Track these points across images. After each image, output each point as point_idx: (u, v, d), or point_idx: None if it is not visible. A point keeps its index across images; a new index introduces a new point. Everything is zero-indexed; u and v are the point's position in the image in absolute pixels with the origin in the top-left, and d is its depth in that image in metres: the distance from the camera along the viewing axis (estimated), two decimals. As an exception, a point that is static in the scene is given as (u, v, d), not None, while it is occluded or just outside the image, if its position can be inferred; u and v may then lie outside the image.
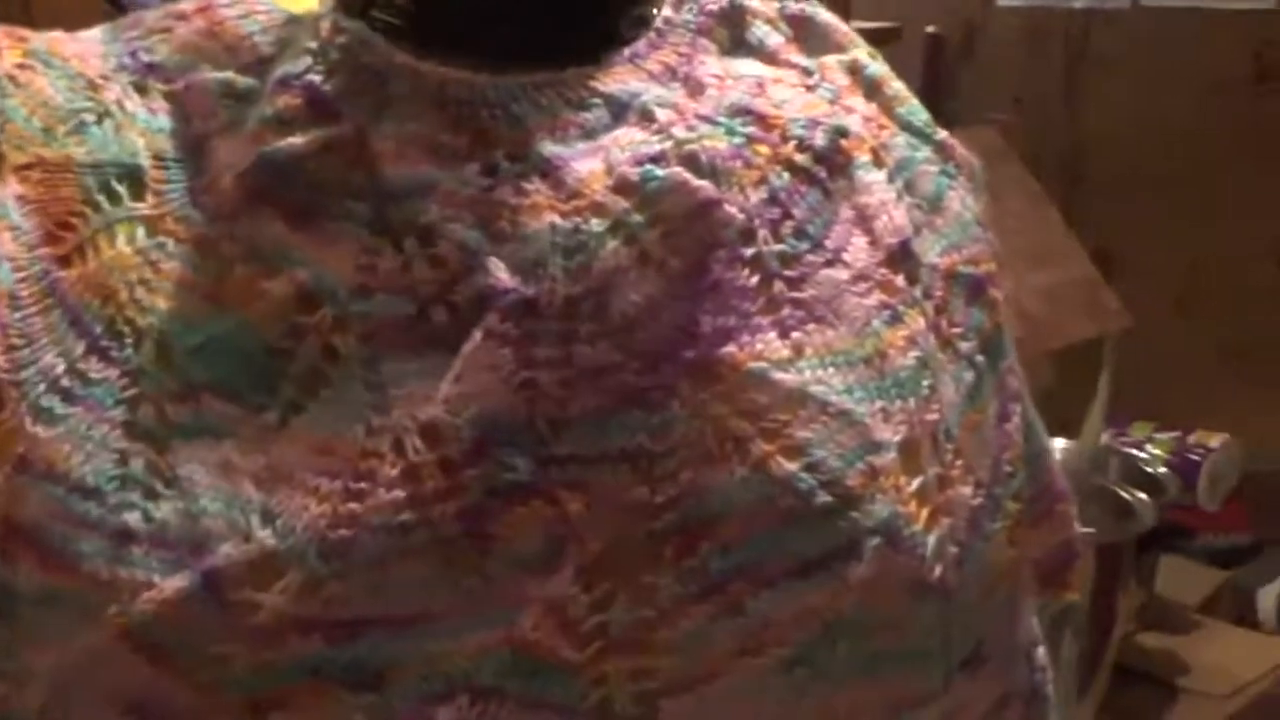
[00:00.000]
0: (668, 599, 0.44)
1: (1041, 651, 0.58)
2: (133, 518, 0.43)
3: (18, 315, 0.45)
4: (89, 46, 0.51)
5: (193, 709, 0.43)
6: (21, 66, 0.50)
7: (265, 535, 0.43)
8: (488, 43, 0.50)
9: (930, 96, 2.51)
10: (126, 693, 0.43)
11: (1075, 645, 1.32)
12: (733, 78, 0.52)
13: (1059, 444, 1.66)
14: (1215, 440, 2.78)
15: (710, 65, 0.52)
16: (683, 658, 0.44)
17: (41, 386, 0.45)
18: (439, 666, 0.43)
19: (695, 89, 0.51)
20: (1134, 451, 2.78)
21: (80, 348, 0.45)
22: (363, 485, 0.43)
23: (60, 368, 0.45)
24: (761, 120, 0.50)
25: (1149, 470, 1.61)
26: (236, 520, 0.43)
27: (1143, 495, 1.37)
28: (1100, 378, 1.88)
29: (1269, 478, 2.70)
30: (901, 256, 0.51)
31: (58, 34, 0.52)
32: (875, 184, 0.52)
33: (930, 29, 3.03)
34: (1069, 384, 1.91)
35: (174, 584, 0.42)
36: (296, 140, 0.47)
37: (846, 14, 2.27)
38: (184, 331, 0.45)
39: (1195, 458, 2.78)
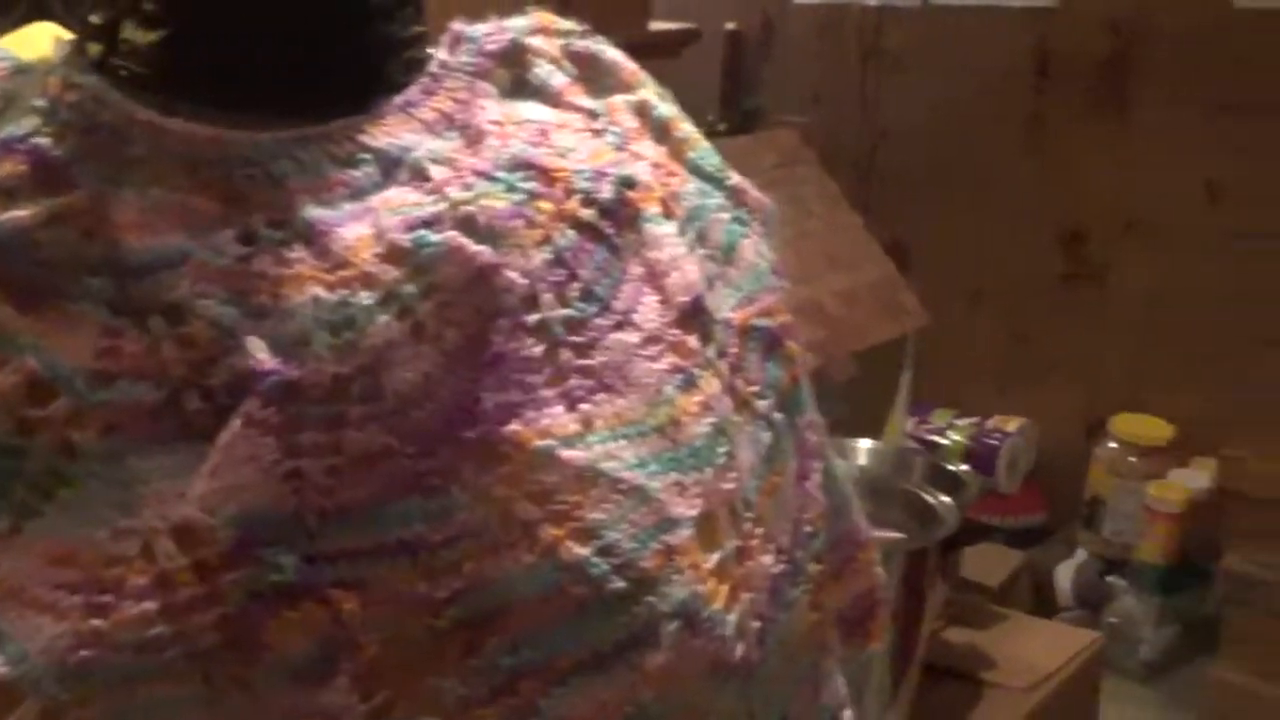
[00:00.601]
0: (453, 702, 0.41)
1: (848, 714, 0.56)
2: None
3: None
4: None
5: None
6: None
7: None
8: (244, 93, 0.46)
9: (731, 93, 2.50)
10: None
11: (886, 648, 1.33)
12: (514, 123, 0.49)
13: (864, 445, 1.68)
14: (1012, 425, 2.87)
15: (490, 111, 0.49)
16: None
17: None
18: None
19: (474, 138, 0.48)
20: (937, 440, 2.86)
21: None
22: (108, 598, 0.39)
23: None
24: (544, 174, 0.47)
25: (951, 469, 1.63)
26: None
27: (946, 498, 1.38)
28: (901, 376, 1.91)
29: (1061, 459, 2.80)
30: (694, 314, 0.49)
31: None
32: (665, 237, 0.49)
33: (729, 25, 3.05)
34: (871, 383, 1.94)
35: None
36: (22, 213, 0.42)
37: (646, 13, 2.26)
38: None
39: (993, 442, 2.87)
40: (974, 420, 2.88)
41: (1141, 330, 2.70)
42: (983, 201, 2.86)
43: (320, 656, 0.40)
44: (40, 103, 0.44)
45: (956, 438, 2.92)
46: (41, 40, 0.50)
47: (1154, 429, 2.64)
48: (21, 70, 0.46)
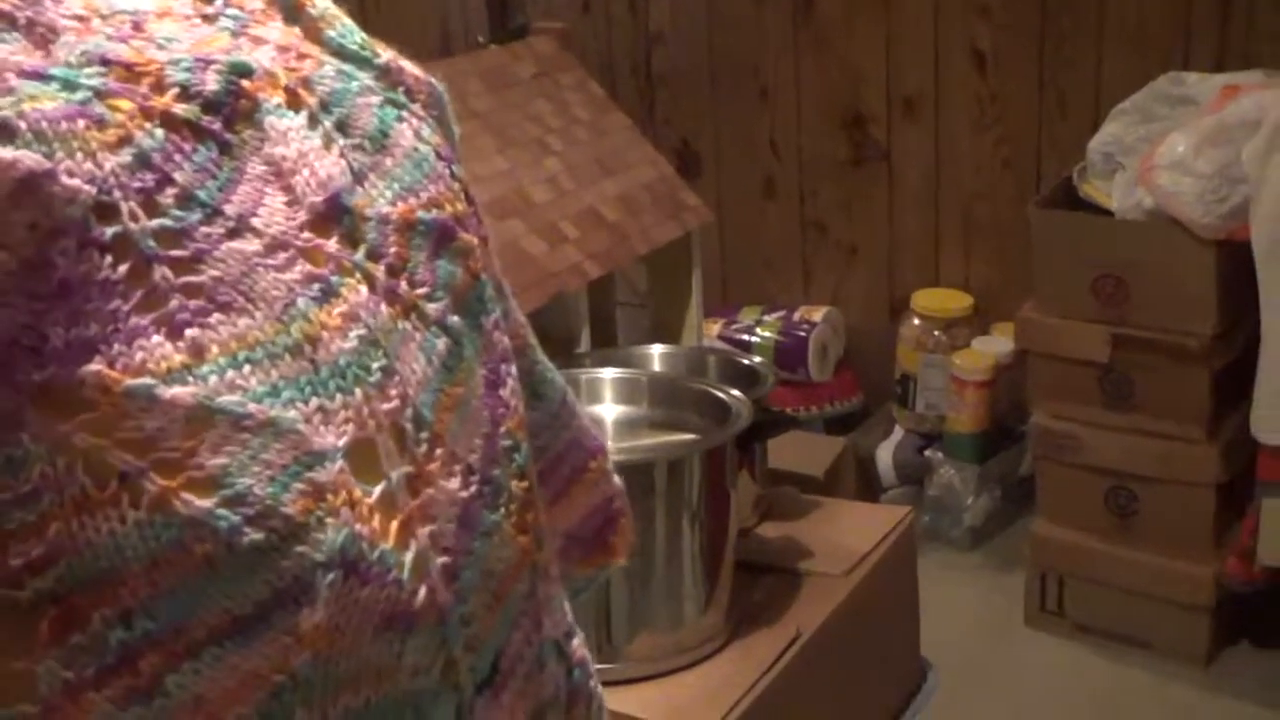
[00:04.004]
0: (53, 689, 0.35)
1: (578, 642, 0.51)
2: None
3: None
4: None
5: None
6: None
7: None
8: None
9: (498, 11, 2.39)
10: None
11: (695, 557, 1.30)
12: (102, 16, 0.42)
13: (658, 350, 1.64)
14: (818, 314, 2.88)
15: (71, 4, 0.41)
16: None
17: None
18: None
19: (44, 37, 0.40)
20: (746, 338, 2.85)
21: None
22: None
23: None
24: (125, 68, 0.40)
25: (747, 363, 1.60)
26: None
27: (737, 393, 1.35)
28: (691, 275, 1.87)
29: (869, 342, 2.81)
30: (332, 214, 0.42)
31: None
32: (291, 130, 0.43)
33: (485, -61, 2.94)
34: (663, 288, 1.90)
35: None
36: None
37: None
38: None
39: (801, 333, 2.88)
40: (780, 314, 2.87)
41: (928, 206, 2.72)
42: (764, 94, 2.84)
43: None
44: None
45: (766, 334, 2.92)
46: None
47: (953, 301, 2.67)
48: None
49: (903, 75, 2.66)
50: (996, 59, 2.56)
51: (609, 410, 1.40)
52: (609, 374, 1.41)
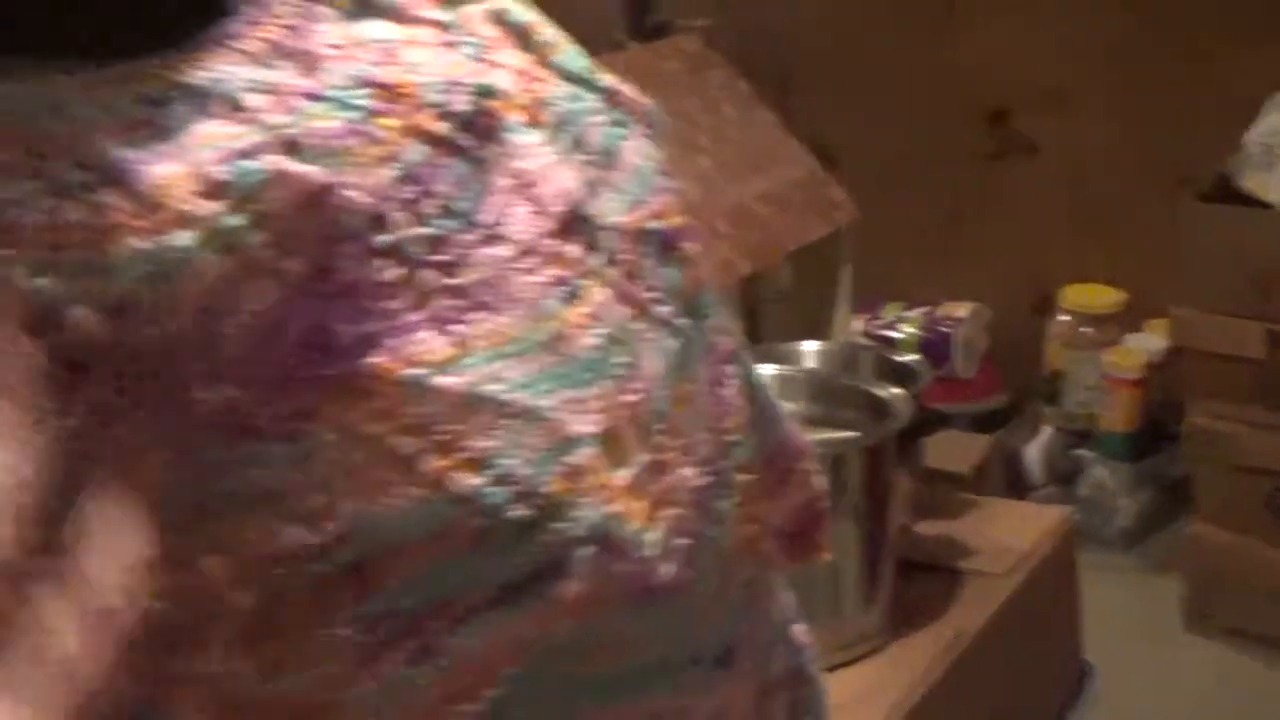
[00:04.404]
0: (352, 651, 0.37)
1: (800, 629, 0.52)
2: None
3: None
4: None
5: None
6: None
7: None
8: (59, 40, 0.40)
9: (635, 9, 2.42)
10: None
11: (856, 552, 1.30)
12: (357, 44, 0.44)
13: (809, 347, 1.64)
14: (962, 310, 2.85)
15: (329, 34, 0.44)
16: (383, 716, 0.38)
17: None
18: None
19: (310, 65, 0.43)
20: (890, 335, 2.84)
21: None
22: None
23: None
24: (386, 90, 0.42)
25: (901, 360, 1.60)
26: None
27: (897, 390, 1.34)
28: (840, 273, 1.87)
29: (1015, 338, 2.78)
30: (573, 222, 0.44)
31: None
32: (532, 146, 0.45)
33: (624, -60, 2.97)
34: (810, 284, 1.90)
35: None
36: None
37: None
38: None
39: (946, 329, 2.85)
40: (924, 310, 2.85)
41: (1075, 200, 2.67)
42: (902, 89, 2.82)
43: (190, 623, 0.36)
44: None
45: (909, 330, 2.90)
46: None
47: (1103, 296, 2.62)
48: None
49: (1046, 66, 2.62)
50: (1142, 48, 2.51)
51: (767, 408, 1.41)
52: (766, 371, 1.42)
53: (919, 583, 1.43)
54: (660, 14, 2.58)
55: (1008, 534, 1.51)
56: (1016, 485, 2.58)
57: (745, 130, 1.81)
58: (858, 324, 2.87)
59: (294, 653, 0.37)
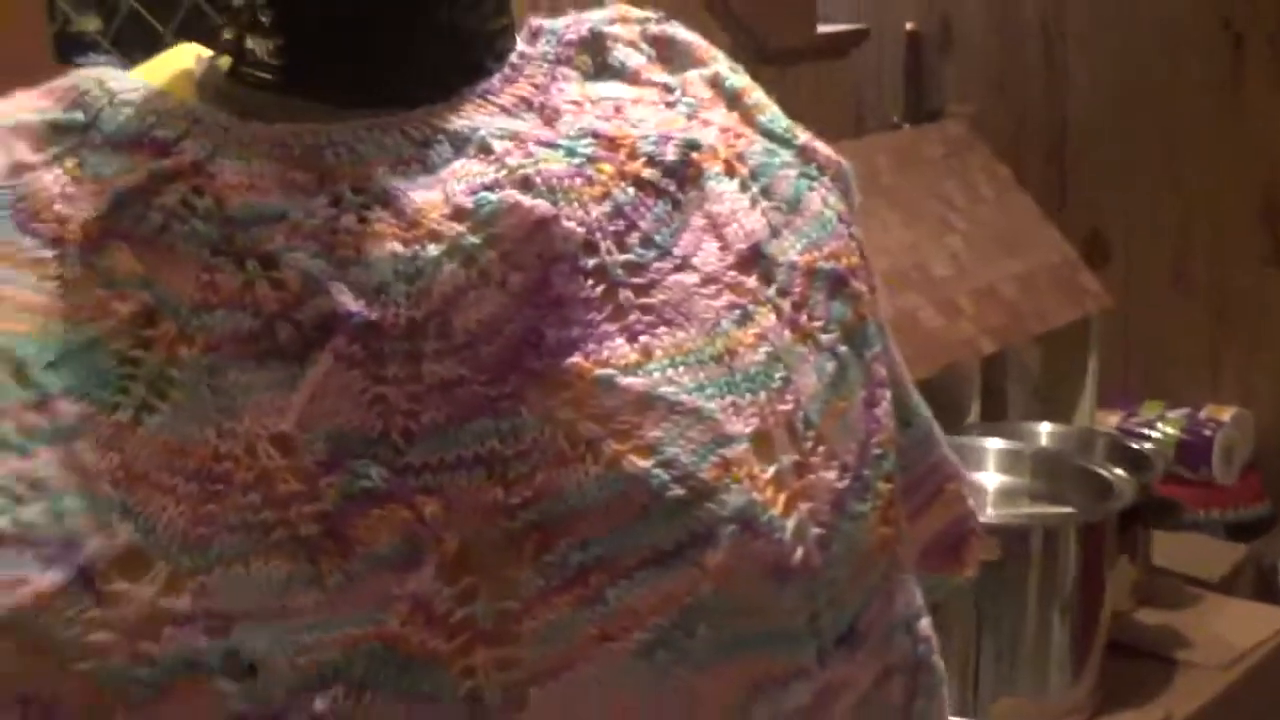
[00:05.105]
0: (529, 591, 0.46)
1: (925, 623, 0.59)
2: (1, 523, 0.46)
3: None
4: None
5: (77, 700, 0.45)
6: None
7: (128, 530, 0.45)
8: (346, 87, 0.53)
9: (913, 93, 2.51)
10: (14, 685, 0.45)
11: (1066, 628, 1.33)
12: (591, 101, 0.55)
13: (1046, 429, 1.67)
14: (1226, 414, 2.77)
15: (569, 92, 0.55)
16: (547, 647, 0.46)
17: None
18: (312, 658, 0.45)
19: (551, 117, 0.54)
20: (1147, 434, 2.78)
21: None
22: (219, 486, 0.46)
23: None
24: (608, 140, 0.53)
25: (1134, 448, 1.61)
26: (99, 517, 0.46)
27: (1121, 472, 1.37)
28: (1088, 361, 1.89)
29: (1279, 444, 2.69)
30: (753, 258, 0.53)
31: None
32: (727, 193, 0.54)
33: (909, 26, 3.05)
34: (1057, 371, 1.92)
35: (49, 578, 0.45)
36: (135, 175, 0.50)
37: (813, 17, 2.30)
38: (38, 349, 0.48)
39: (1208, 433, 2.77)
40: (1185, 411, 2.78)
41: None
42: (1180, 182, 2.78)
43: (407, 550, 0.46)
44: (160, 109, 0.52)
45: (1167, 430, 2.83)
46: (182, 59, 0.58)
47: (1380, 409, 2.51)
48: (158, 94, 0.54)
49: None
50: None
51: (990, 479, 1.45)
52: (993, 444, 1.46)
53: (1133, 668, 1.44)
54: (936, 100, 2.66)
55: (1231, 631, 1.50)
56: (1268, 597, 2.48)
57: (1001, 213, 1.86)
58: (1113, 419, 2.83)
59: (484, 586, 0.46)
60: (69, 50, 1.52)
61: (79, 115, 0.52)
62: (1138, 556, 1.51)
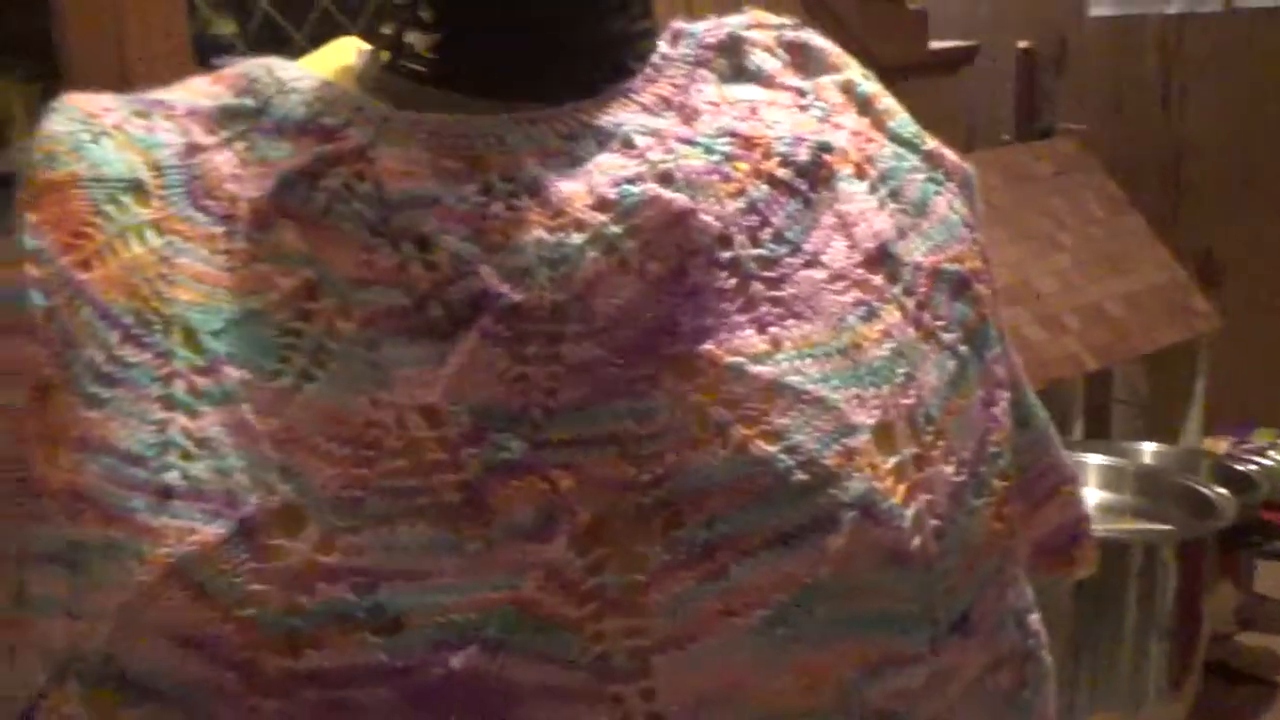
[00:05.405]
0: (657, 565, 0.49)
1: (1035, 618, 0.61)
2: (172, 477, 0.49)
3: (55, 325, 0.52)
4: (112, 101, 0.58)
5: (236, 643, 0.48)
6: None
7: (286, 490, 0.48)
8: (499, 82, 0.56)
9: (1025, 111, 2.50)
10: (178, 627, 0.48)
11: (1163, 645, 1.32)
12: (728, 102, 0.58)
13: (1149, 448, 1.66)
14: (1339, 443, 2.72)
15: (708, 93, 0.58)
16: (672, 618, 0.49)
17: (87, 377, 0.51)
18: (450, 617, 0.48)
19: (690, 116, 0.56)
20: (1257, 461, 2.74)
21: (115, 337, 0.51)
22: (370, 453, 0.49)
23: (100, 358, 0.51)
24: (744, 140, 0.55)
25: (1240, 470, 1.60)
26: (259, 476, 0.49)
27: (1223, 491, 1.36)
28: (1196, 383, 1.87)
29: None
30: (880, 257, 0.55)
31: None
32: (856, 194, 0.57)
33: (1022, 44, 3.04)
34: (1165, 392, 1.90)
35: (213, 530, 0.48)
36: (302, 158, 0.53)
37: (925, 33, 2.31)
38: (207, 317, 0.52)
39: (1319, 462, 2.73)
40: (1297, 439, 2.74)
41: None
42: (1296, 208, 2.74)
43: (543, 521, 0.49)
44: (324, 97, 0.56)
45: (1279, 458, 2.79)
46: (344, 51, 0.61)
47: None
48: (323, 83, 0.57)
49: None
50: None
51: (1091, 495, 1.45)
52: (1094, 459, 1.46)
53: (1234, 693, 1.43)
54: (1047, 118, 2.65)
55: (1336, 658, 1.48)
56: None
57: (1111, 232, 1.85)
58: (1222, 445, 2.79)
59: (614, 558, 0.49)
60: (206, 51, 1.59)
61: (249, 101, 0.56)
62: (1240, 580, 1.50)
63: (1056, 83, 3.03)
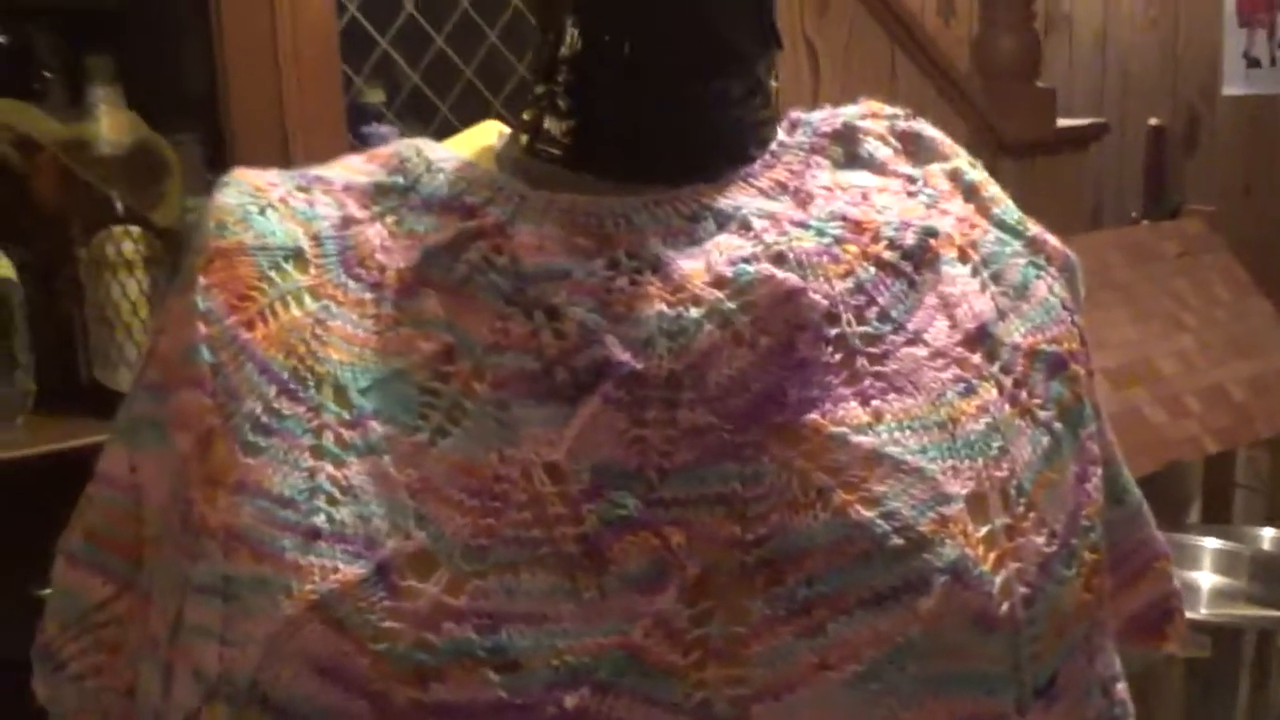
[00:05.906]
0: (758, 619, 0.52)
1: (1122, 687, 0.62)
2: (319, 520, 0.54)
3: (220, 379, 0.57)
4: (277, 176, 0.63)
5: (370, 675, 0.51)
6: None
7: (421, 535, 0.53)
8: (628, 166, 0.60)
9: (1154, 188, 2.50)
10: (318, 657, 0.52)
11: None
12: (841, 188, 0.61)
13: (1269, 534, 1.65)
14: None
15: (822, 178, 0.61)
16: (771, 669, 0.51)
17: (247, 426, 0.56)
18: (565, 659, 0.51)
19: (804, 200, 0.60)
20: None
21: (272, 391, 0.57)
22: (497, 504, 0.53)
23: (259, 409, 0.56)
24: (854, 224, 0.59)
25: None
26: (397, 522, 0.53)
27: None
28: (1321, 468, 1.84)
29: None
30: (980, 337, 0.58)
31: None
32: (959, 276, 0.60)
33: (1153, 121, 3.03)
34: (1288, 474, 1.87)
35: (354, 569, 0.52)
36: (445, 234, 0.58)
37: (1053, 111, 2.32)
38: (355, 375, 0.56)
39: None
40: None
41: None
42: None
43: (654, 573, 0.52)
44: (468, 178, 0.61)
45: None
46: (486, 133, 0.67)
47: None
48: (467, 164, 0.62)
49: None
50: None
51: (1205, 578, 1.44)
52: (1210, 543, 1.46)
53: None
54: (1175, 197, 2.64)
55: None
56: None
57: (1235, 314, 1.84)
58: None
59: (719, 611, 0.52)
60: (356, 118, 1.68)
61: (400, 179, 0.61)
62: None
63: (1186, 161, 3.01)
